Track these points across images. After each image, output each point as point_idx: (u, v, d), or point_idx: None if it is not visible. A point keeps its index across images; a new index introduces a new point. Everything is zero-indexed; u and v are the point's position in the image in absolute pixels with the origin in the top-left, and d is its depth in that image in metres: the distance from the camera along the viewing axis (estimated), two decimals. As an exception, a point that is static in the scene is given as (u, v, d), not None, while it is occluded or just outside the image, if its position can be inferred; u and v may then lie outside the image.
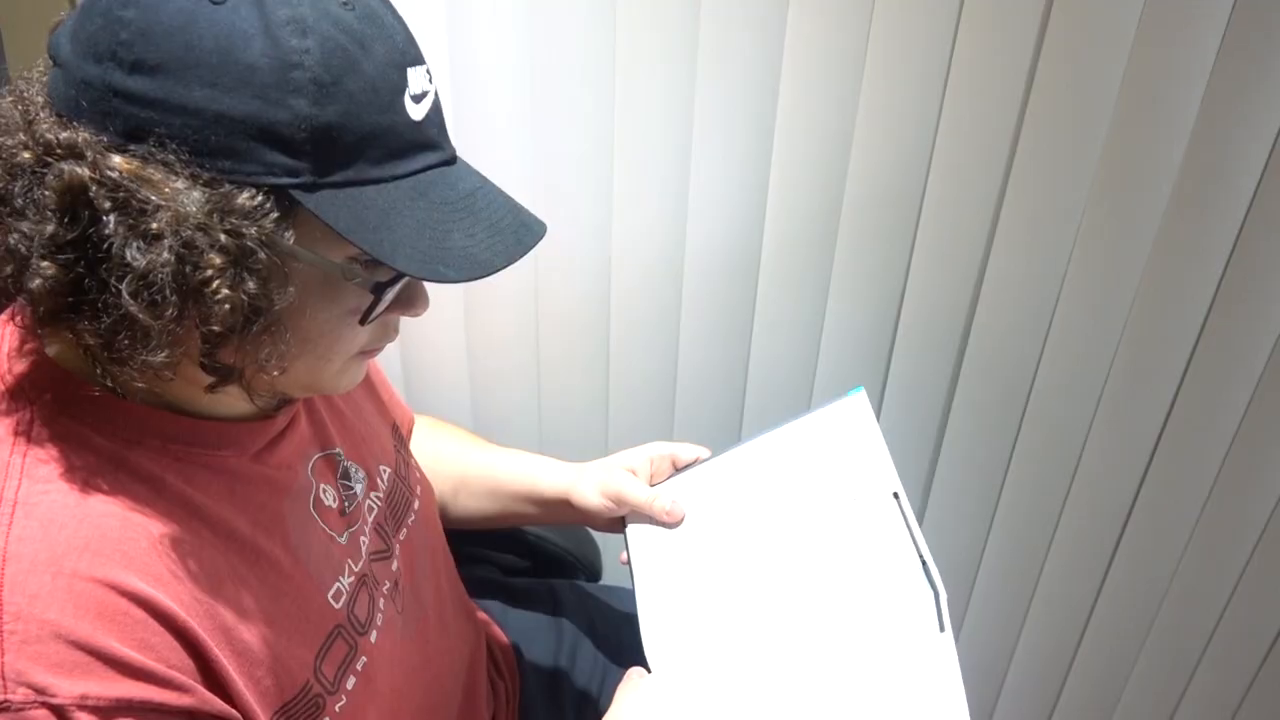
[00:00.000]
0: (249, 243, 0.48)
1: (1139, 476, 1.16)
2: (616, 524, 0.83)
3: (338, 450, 0.68)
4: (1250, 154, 0.94)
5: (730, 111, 1.03)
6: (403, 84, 0.52)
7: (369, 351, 0.61)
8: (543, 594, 0.99)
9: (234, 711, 0.52)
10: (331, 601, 0.62)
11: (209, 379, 0.52)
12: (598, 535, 1.08)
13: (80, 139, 0.47)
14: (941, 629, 0.64)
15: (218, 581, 0.54)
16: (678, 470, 0.84)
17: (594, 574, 1.07)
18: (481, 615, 0.91)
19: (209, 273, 0.47)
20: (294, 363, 0.54)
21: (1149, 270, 1.02)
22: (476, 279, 0.54)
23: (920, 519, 1.24)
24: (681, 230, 1.09)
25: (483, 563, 1.01)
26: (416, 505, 0.77)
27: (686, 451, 0.84)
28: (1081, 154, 0.98)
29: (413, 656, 0.71)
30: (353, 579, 0.65)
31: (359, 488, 0.69)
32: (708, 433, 1.21)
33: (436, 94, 0.56)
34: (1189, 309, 1.04)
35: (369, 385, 0.79)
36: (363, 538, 0.67)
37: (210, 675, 0.52)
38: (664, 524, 0.79)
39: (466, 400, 1.19)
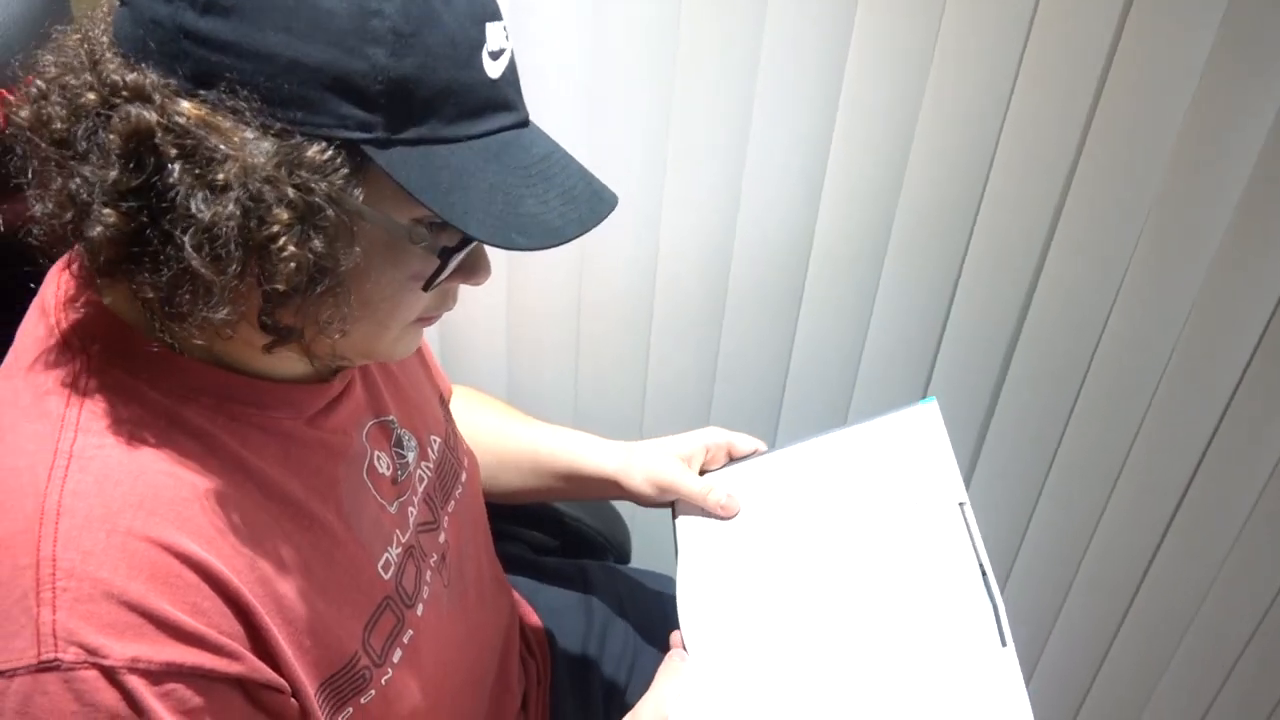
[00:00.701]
0: (317, 199, 0.46)
1: (1180, 493, 1.15)
2: (665, 503, 0.81)
3: (392, 417, 0.66)
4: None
5: (790, 104, 1.00)
6: (481, 39, 0.50)
7: (426, 319, 0.59)
8: (573, 573, 0.97)
9: (282, 680, 0.51)
10: (381, 572, 0.60)
11: (267, 338, 0.50)
12: (628, 518, 1.07)
13: (148, 81, 0.45)
14: (1003, 644, 0.63)
15: (270, 545, 0.52)
16: (733, 460, 0.82)
17: (624, 556, 1.05)
18: (517, 598, 0.90)
19: (275, 228, 0.45)
20: (354, 326, 0.52)
21: (1207, 281, 1.00)
22: (549, 247, 0.52)
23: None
24: (732, 221, 1.07)
25: (513, 540, 0.99)
26: (464, 477, 0.76)
27: (745, 443, 0.82)
28: (1148, 159, 0.96)
29: (457, 631, 0.69)
30: (400, 550, 0.63)
31: (411, 456, 0.68)
32: (744, 426, 1.20)
33: (513, 53, 0.53)
34: (1245, 318, 1.02)
35: (419, 353, 0.77)
36: (411, 508, 0.65)
37: (260, 643, 0.50)
38: (718, 516, 0.77)
39: (503, 373, 1.17)
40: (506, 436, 0.88)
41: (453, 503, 0.73)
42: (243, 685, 0.49)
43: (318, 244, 0.47)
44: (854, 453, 0.79)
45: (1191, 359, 1.06)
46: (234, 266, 0.45)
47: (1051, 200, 1.01)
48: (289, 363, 0.55)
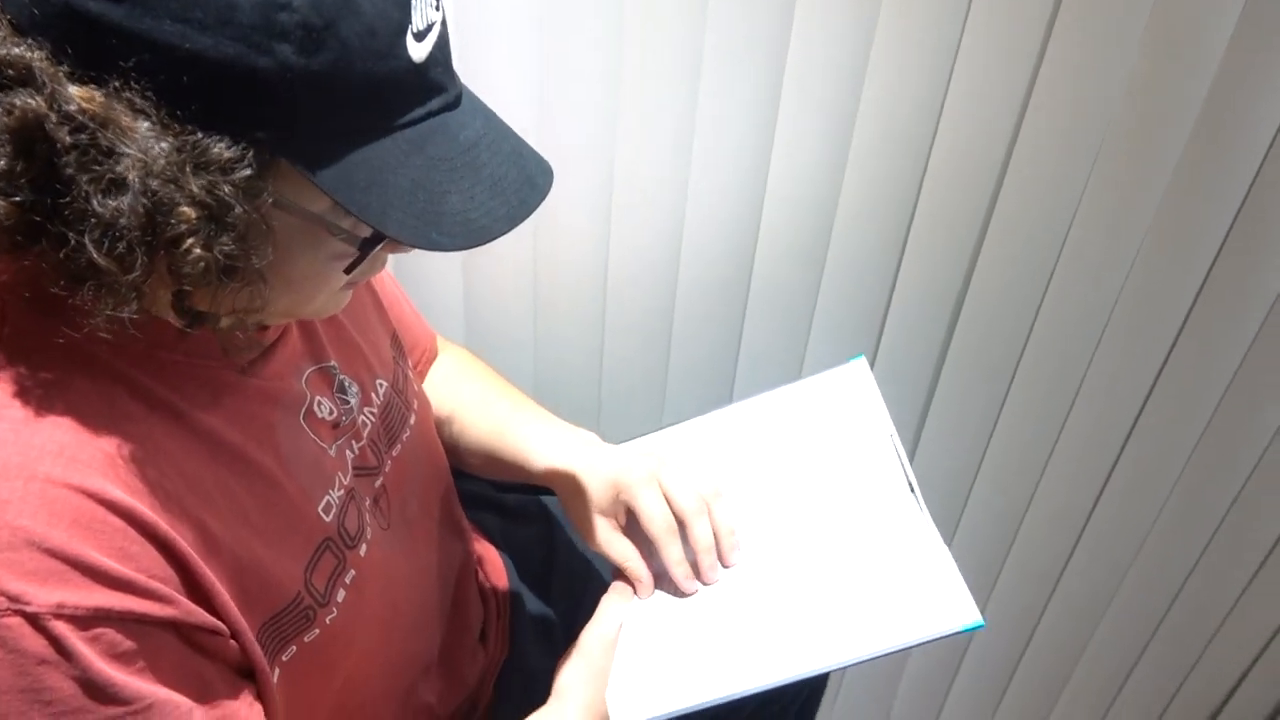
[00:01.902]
0: (225, 197, 0.44)
1: (1118, 447, 1.19)
2: None
3: (332, 364, 0.67)
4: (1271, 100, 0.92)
5: (736, 80, 0.98)
6: (405, 20, 0.46)
7: (353, 283, 0.58)
8: (535, 509, 0.99)
9: (220, 623, 0.52)
10: (322, 514, 0.61)
11: (182, 321, 0.49)
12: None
13: (36, 61, 0.41)
14: (920, 509, 0.67)
15: (202, 490, 0.52)
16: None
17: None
18: (473, 529, 0.91)
19: (181, 228, 0.43)
20: (275, 302, 0.51)
21: (1145, 241, 1.02)
22: (472, 246, 0.50)
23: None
24: (680, 206, 1.06)
25: (475, 477, 1.01)
26: (412, 421, 0.76)
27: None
28: (1092, 124, 0.96)
29: (401, 571, 0.71)
30: (343, 492, 0.64)
31: (354, 401, 0.68)
32: (696, 405, 1.21)
33: (444, 22, 0.50)
34: (1185, 276, 1.04)
35: (371, 293, 0.77)
36: (349, 452, 0.66)
37: (194, 586, 0.51)
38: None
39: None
40: (473, 416, 0.86)
41: (398, 446, 0.73)
42: (177, 628, 0.50)
43: (226, 243, 0.45)
44: (786, 408, 0.81)
45: (1128, 324, 1.09)
46: (138, 265, 0.44)
47: (996, 166, 1.01)
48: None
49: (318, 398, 0.63)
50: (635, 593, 0.72)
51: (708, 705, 0.59)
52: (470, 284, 1.11)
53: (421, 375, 0.90)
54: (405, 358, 0.79)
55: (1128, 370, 1.13)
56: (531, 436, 0.80)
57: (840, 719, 1.52)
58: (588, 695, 0.64)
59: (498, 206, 0.51)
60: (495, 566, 0.91)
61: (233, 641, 0.53)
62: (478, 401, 0.87)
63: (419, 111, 0.49)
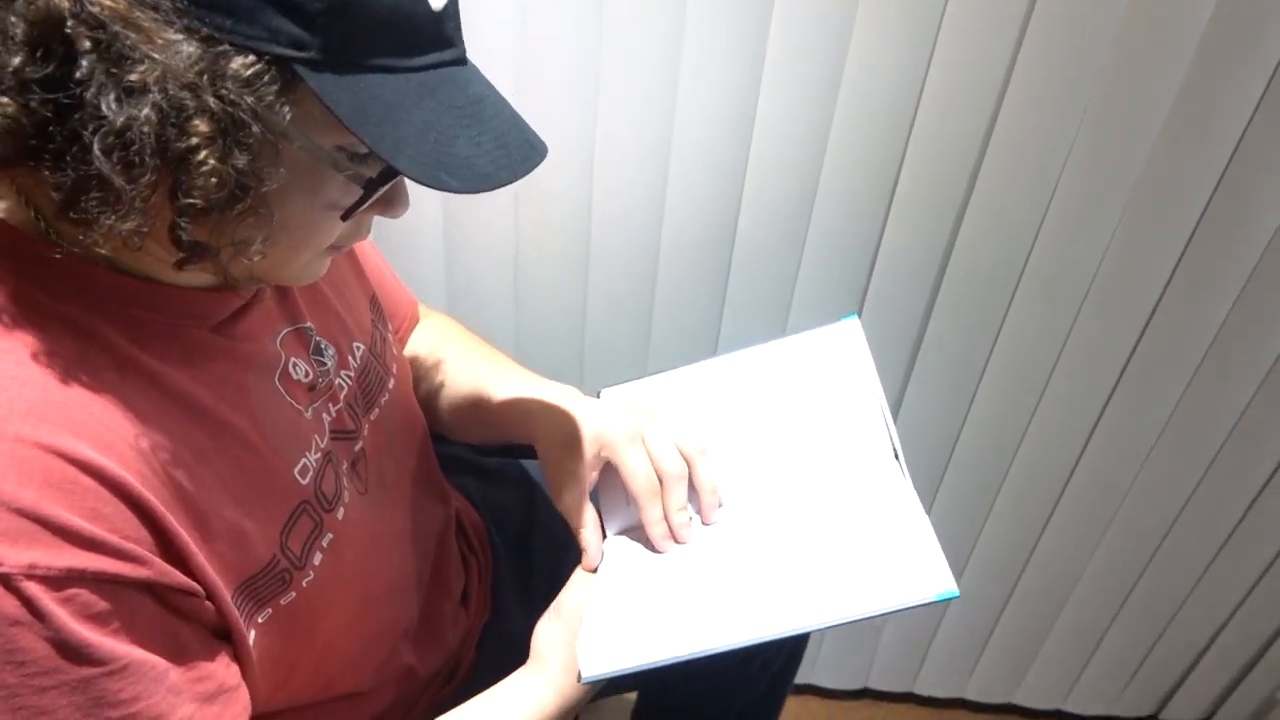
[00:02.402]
0: (242, 113, 0.44)
1: (1102, 403, 1.19)
2: None
3: (308, 325, 0.66)
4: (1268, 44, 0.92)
5: (721, 35, 0.96)
6: None
7: (336, 248, 0.58)
8: (515, 473, 0.99)
9: (195, 585, 0.52)
10: (298, 477, 0.61)
11: (177, 254, 0.49)
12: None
13: None
14: (903, 476, 0.68)
15: (176, 451, 0.52)
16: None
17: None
18: (455, 493, 0.91)
19: (195, 140, 0.43)
20: (271, 251, 0.51)
21: (1132, 196, 1.02)
22: (479, 191, 0.51)
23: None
24: (665, 157, 1.04)
25: (455, 442, 1.00)
26: (391, 384, 0.76)
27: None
28: (1081, 76, 0.95)
29: (381, 534, 0.70)
30: (319, 455, 0.64)
31: (330, 364, 0.68)
32: (681, 357, 1.20)
33: None
34: (1171, 230, 1.04)
35: (349, 255, 0.76)
36: (326, 415, 0.66)
37: (168, 547, 0.50)
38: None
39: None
40: (460, 386, 0.86)
41: (376, 410, 0.73)
42: (151, 589, 0.50)
43: (240, 160, 0.45)
44: (775, 363, 0.81)
45: (1112, 287, 1.09)
46: (147, 175, 0.43)
47: (984, 118, 1.00)
48: (193, 274, 0.54)
49: (293, 359, 0.63)
50: (583, 561, 0.73)
51: (678, 661, 0.60)
52: (452, 251, 1.10)
53: (403, 341, 0.89)
54: (385, 322, 0.79)
55: (1110, 334, 1.13)
56: (512, 392, 0.80)
57: (822, 675, 1.54)
58: (566, 656, 0.64)
59: (502, 157, 0.52)
60: (476, 529, 0.91)
61: (208, 603, 0.53)
62: (458, 363, 0.86)
63: (433, 57, 0.50)
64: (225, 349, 0.58)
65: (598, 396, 0.83)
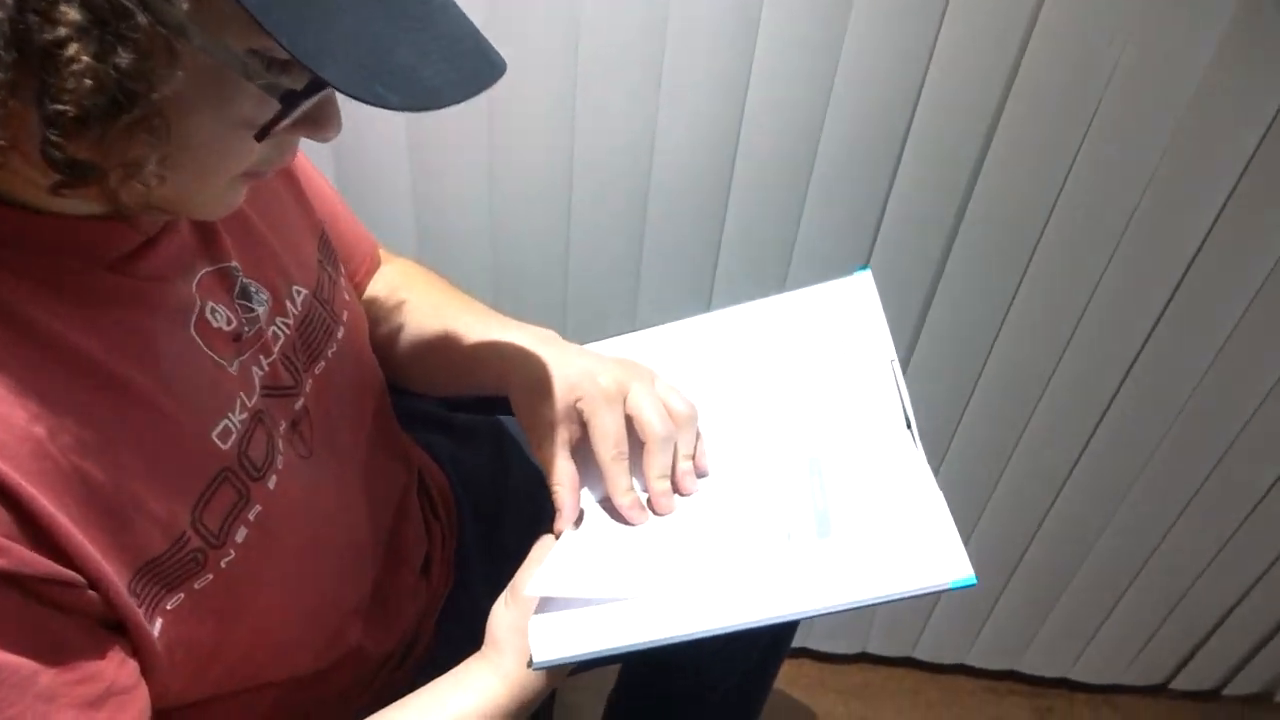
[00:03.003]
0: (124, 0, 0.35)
1: (1125, 369, 1.10)
2: None
3: (233, 265, 0.57)
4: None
5: None
6: None
7: (255, 174, 0.49)
8: (487, 430, 0.90)
9: (72, 574, 0.44)
10: (217, 441, 0.53)
11: (54, 177, 0.39)
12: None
13: None
14: (915, 447, 0.60)
15: (53, 416, 0.43)
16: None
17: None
18: (418, 453, 0.83)
19: (63, 31, 0.35)
20: (171, 175, 0.42)
21: (1167, 152, 0.93)
22: (422, 110, 0.42)
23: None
24: (655, 89, 0.94)
25: (419, 395, 0.92)
26: (340, 334, 0.67)
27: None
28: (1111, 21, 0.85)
29: (326, 504, 0.62)
30: (247, 416, 0.55)
31: (261, 310, 0.59)
32: (672, 310, 1.11)
33: None
34: (1206, 193, 0.94)
35: (291, 181, 0.67)
36: (256, 368, 0.57)
37: (38, 532, 0.42)
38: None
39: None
40: (428, 336, 0.77)
41: (321, 363, 0.64)
42: (15, 581, 0.42)
43: (123, 59, 0.36)
44: (777, 319, 0.73)
45: (1146, 232, 0.99)
46: (2, 74, 0.35)
47: (1006, 61, 0.90)
48: (77, 201, 0.45)
49: (211, 304, 0.54)
50: (555, 523, 0.65)
51: (647, 646, 0.52)
52: (420, 196, 1.01)
53: (361, 288, 0.80)
54: (336, 265, 0.70)
55: (1139, 291, 1.04)
56: (483, 334, 0.72)
57: (818, 639, 1.48)
58: (521, 642, 0.56)
59: (452, 72, 0.43)
60: (441, 492, 0.83)
61: (91, 593, 0.45)
62: (423, 303, 0.78)
63: None
64: (125, 291, 0.49)
65: None
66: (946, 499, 0.57)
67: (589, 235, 1.04)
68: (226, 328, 0.55)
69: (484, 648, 0.59)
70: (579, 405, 0.65)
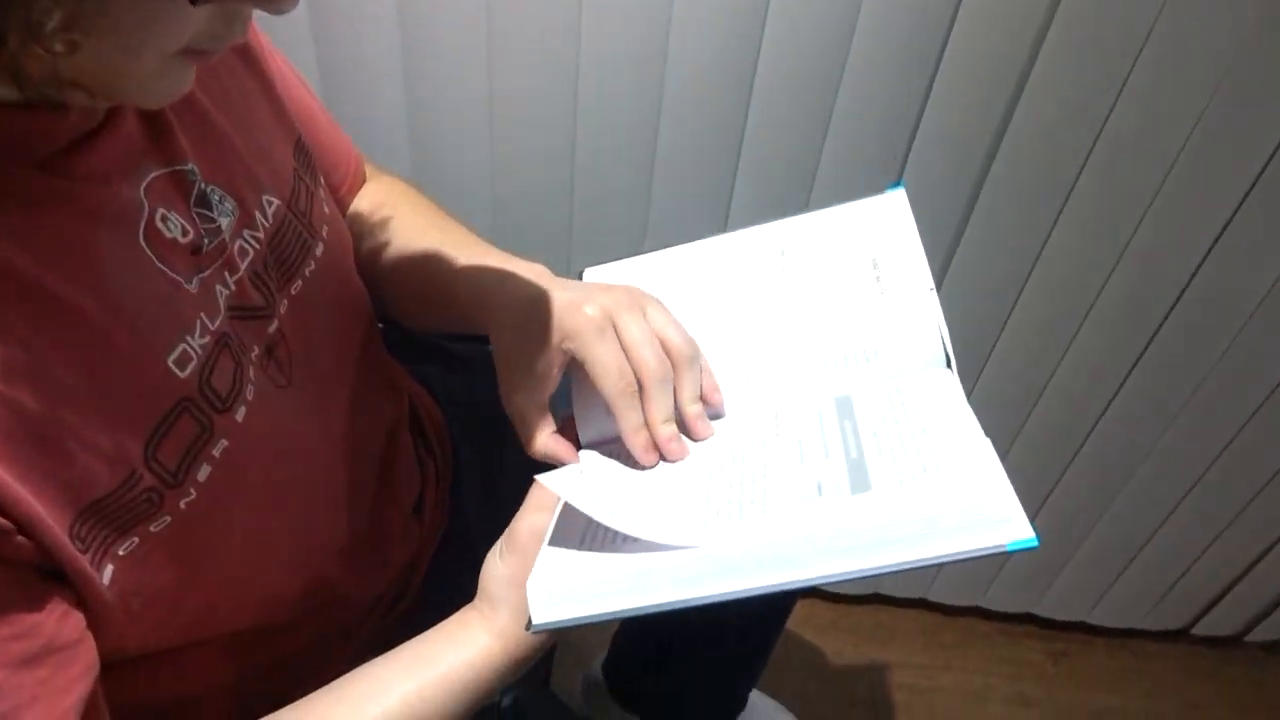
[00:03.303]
0: None
1: (1179, 288, 1.03)
2: None
3: (190, 167, 0.50)
4: None
5: None
6: None
7: (199, 52, 0.41)
8: (485, 361, 0.84)
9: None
10: (174, 368, 0.46)
11: None
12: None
13: None
14: (957, 385, 0.54)
15: None
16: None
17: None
18: (410, 384, 0.77)
19: None
20: (87, 42, 0.35)
21: (1225, 77, 0.84)
22: None
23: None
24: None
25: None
26: (319, 251, 0.60)
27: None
28: None
29: (304, 439, 0.57)
30: (209, 340, 0.49)
31: (225, 221, 0.52)
32: (688, 230, 1.03)
33: None
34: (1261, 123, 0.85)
35: (263, 78, 0.60)
36: (220, 287, 0.51)
37: None
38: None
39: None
40: (414, 261, 0.68)
41: (298, 283, 0.58)
42: None
43: None
44: (806, 241, 0.66)
45: (1209, 146, 0.91)
46: None
47: None
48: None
49: (162, 210, 0.47)
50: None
51: (656, 610, 0.46)
52: (414, 98, 0.93)
53: (344, 204, 0.73)
54: (315, 174, 0.63)
55: (1193, 219, 0.96)
56: (466, 264, 0.64)
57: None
58: (518, 598, 0.50)
59: None
60: (436, 426, 0.77)
61: (22, 539, 0.39)
62: (409, 229, 0.70)
63: None
64: (59, 194, 0.42)
65: (580, 278, 0.68)
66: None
67: (596, 148, 0.96)
68: (182, 239, 0.48)
69: (477, 600, 0.53)
70: (566, 346, 0.56)
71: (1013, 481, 0.45)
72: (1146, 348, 1.08)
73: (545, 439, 0.58)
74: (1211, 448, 1.18)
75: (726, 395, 0.60)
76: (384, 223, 0.70)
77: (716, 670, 1.11)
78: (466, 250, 0.65)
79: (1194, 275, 1.01)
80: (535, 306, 0.57)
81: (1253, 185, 0.93)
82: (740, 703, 1.22)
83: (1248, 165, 0.92)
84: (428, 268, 0.65)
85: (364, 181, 0.75)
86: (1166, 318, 1.05)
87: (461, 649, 0.51)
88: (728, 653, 1.04)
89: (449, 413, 0.78)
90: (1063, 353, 1.11)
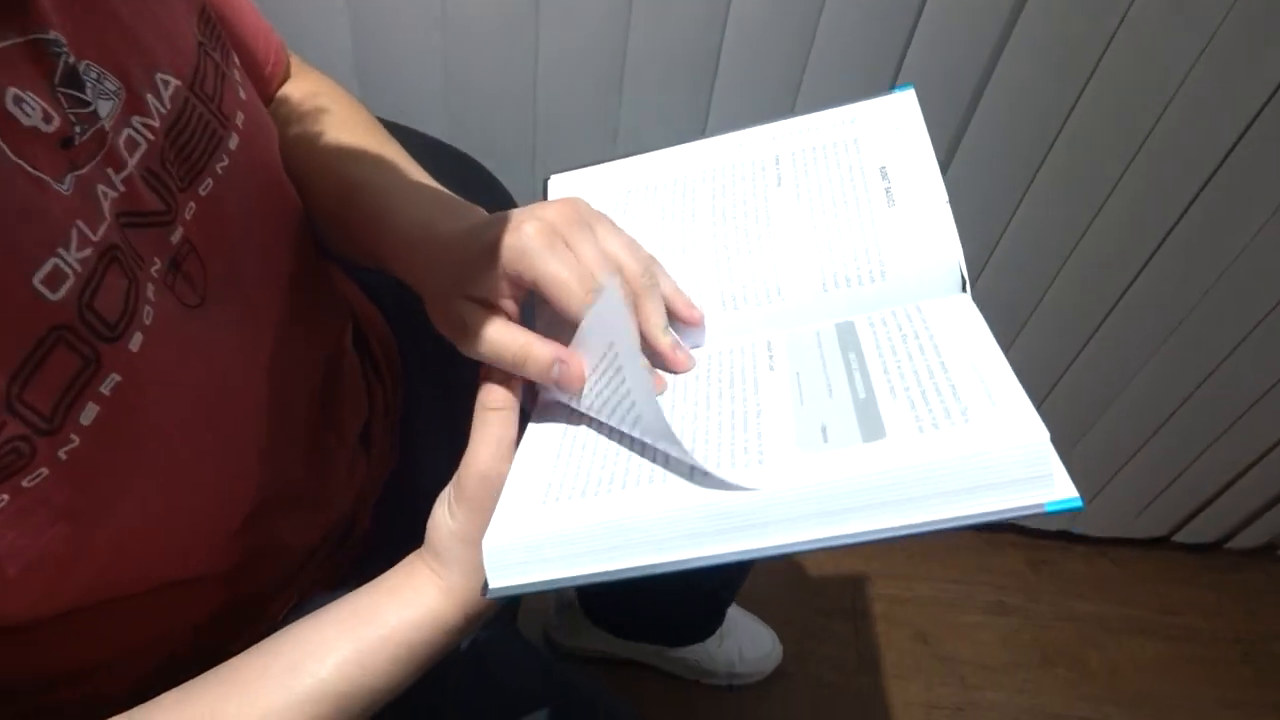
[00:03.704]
0: None
1: (1190, 195, 0.96)
2: None
3: (53, 36, 0.40)
4: None
5: None
6: None
7: None
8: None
9: None
10: (43, 289, 0.37)
11: None
12: (517, 185, 0.83)
13: None
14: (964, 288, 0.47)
15: None
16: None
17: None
18: (354, 294, 0.68)
19: None
20: None
21: None
22: None
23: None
24: None
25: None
26: (234, 143, 0.51)
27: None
28: None
29: (224, 367, 0.48)
30: (89, 252, 0.40)
31: (107, 106, 0.42)
32: (664, 126, 0.92)
33: None
34: None
35: None
36: (103, 187, 0.41)
37: None
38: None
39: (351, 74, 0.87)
40: (329, 165, 0.58)
41: (208, 182, 0.48)
42: None
43: None
44: (800, 145, 0.56)
45: (1232, 45, 0.82)
46: None
47: None
48: None
49: (15, 91, 0.38)
50: (541, 394, 0.50)
51: (628, 574, 0.39)
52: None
53: (266, 96, 0.63)
54: (226, 52, 0.52)
55: (1202, 131, 0.89)
56: (402, 182, 0.54)
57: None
58: (471, 556, 0.43)
59: None
60: (384, 344, 0.68)
61: None
62: (331, 145, 0.60)
63: None
64: None
65: (544, 190, 0.59)
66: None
67: (561, 47, 0.86)
68: (45, 127, 0.39)
69: (424, 551, 0.46)
70: (512, 269, 0.45)
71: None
72: (1147, 262, 1.02)
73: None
74: (1202, 367, 1.13)
75: (711, 325, 0.52)
76: (316, 113, 0.60)
77: (695, 589, 1.06)
78: (395, 170, 0.56)
79: (1211, 175, 0.93)
80: (473, 234, 0.47)
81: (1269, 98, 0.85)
82: (718, 617, 1.19)
83: (1262, 83, 0.83)
84: (353, 196, 0.55)
85: (287, 75, 0.64)
86: (1168, 235, 0.99)
87: (406, 608, 0.44)
88: (706, 572, 0.99)
89: (397, 326, 0.70)
90: (1062, 262, 1.04)
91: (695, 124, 0.93)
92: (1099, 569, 1.46)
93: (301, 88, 0.64)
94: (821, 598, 1.36)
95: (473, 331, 0.46)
